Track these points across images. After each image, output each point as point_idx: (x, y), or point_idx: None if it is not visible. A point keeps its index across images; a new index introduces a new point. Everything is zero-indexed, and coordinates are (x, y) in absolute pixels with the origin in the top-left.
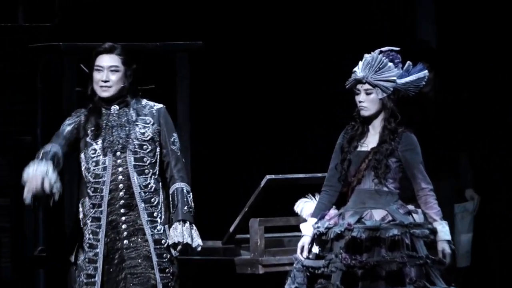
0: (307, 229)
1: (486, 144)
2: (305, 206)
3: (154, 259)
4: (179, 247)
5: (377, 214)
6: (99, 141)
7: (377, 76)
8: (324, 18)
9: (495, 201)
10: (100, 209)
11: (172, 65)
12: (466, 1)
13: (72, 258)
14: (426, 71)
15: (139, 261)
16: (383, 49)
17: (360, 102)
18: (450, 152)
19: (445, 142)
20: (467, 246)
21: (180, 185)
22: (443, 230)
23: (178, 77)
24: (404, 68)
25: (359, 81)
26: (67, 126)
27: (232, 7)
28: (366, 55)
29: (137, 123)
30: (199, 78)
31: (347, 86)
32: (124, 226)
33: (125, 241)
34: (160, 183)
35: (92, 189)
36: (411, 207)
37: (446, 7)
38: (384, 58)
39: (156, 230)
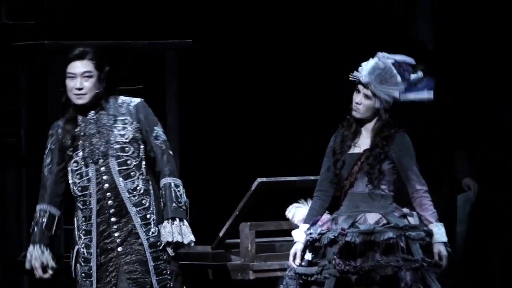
0: (299, 236)
1: (486, 144)
2: (297, 211)
3: (151, 264)
4: (171, 246)
5: (371, 218)
6: (80, 152)
7: (382, 87)
8: (324, 18)
9: (494, 201)
10: (90, 221)
11: (161, 64)
12: (465, 0)
13: (73, 274)
14: (432, 95)
15: (136, 265)
16: (398, 59)
17: (356, 103)
18: (451, 153)
19: (447, 144)
20: (462, 237)
21: (167, 180)
22: (439, 232)
23: (167, 76)
24: (412, 78)
25: (362, 83)
26: (48, 157)
27: (231, 5)
28: (380, 56)
29: (115, 125)
30: (198, 76)
31: (350, 78)
32: (116, 234)
33: (119, 248)
34: (150, 181)
35: (81, 202)
36: (406, 210)
37: (445, 7)
38: (395, 71)
39: (150, 233)
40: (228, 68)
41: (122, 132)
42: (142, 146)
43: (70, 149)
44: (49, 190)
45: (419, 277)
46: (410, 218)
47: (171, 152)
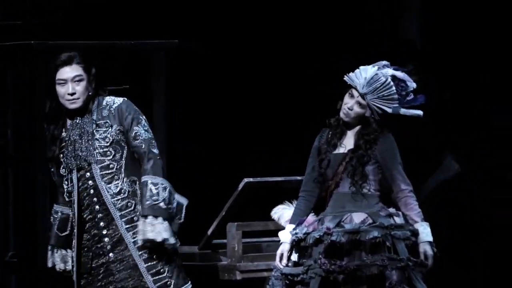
0: (286, 237)
1: (469, 144)
2: (283, 213)
3: (142, 266)
4: (148, 244)
5: (357, 217)
6: (65, 159)
7: (377, 100)
8: (320, 17)
9: (478, 200)
10: (75, 226)
11: (149, 64)
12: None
13: (74, 277)
14: (421, 112)
15: (129, 272)
16: (398, 76)
17: (348, 107)
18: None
19: (436, 143)
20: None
21: (144, 179)
22: (424, 231)
23: (154, 77)
24: (407, 97)
25: (358, 91)
26: (49, 162)
27: (224, 2)
28: (380, 67)
29: (97, 129)
30: (196, 75)
31: (347, 82)
32: (106, 239)
33: (111, 254)
34: (137, 182)
35: (71, 207)
36: (392, 209)
37: (430, 6)
38: (393, 89)
39: None
40: (224, 67)
41: (103, 136)
42: (125, 148)
43: (59, 155)
44: (59, 191)
45: (405, 277)
46: (396, 218)
47: (154, 150)
